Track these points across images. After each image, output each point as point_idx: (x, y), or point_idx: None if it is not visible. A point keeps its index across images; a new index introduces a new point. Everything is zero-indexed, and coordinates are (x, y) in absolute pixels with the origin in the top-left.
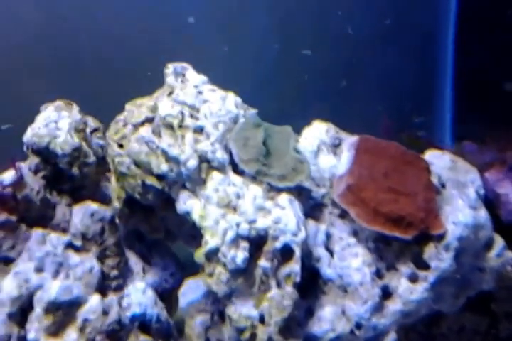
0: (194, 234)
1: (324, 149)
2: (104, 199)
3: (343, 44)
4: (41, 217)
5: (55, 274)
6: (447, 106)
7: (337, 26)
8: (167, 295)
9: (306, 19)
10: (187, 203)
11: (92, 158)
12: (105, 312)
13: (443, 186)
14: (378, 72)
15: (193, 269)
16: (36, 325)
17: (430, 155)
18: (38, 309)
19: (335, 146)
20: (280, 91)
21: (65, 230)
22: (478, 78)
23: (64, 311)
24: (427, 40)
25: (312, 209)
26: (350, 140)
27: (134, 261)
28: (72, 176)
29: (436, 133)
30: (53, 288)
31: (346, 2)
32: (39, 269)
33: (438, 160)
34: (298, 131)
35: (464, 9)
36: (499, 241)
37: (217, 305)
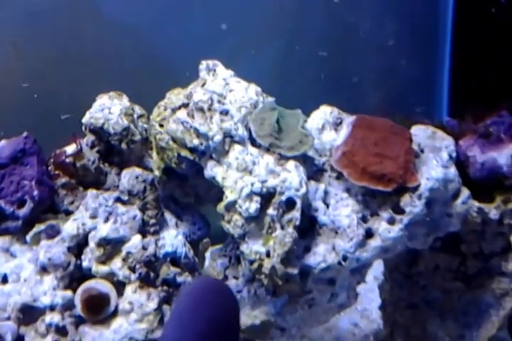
0: (220, 197)
1: (327, 127)
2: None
3: (354, 45)
4: (95, 182)
5: (106, 220)
6: (445, 97)
7: (350, 30)
8: (194, 244)
9: (323, 24)
10: (213, 170)
11: (138, 137)
12: (144, 248)
13: (422, 151)
14: (385, 70)
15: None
16: (90, 256)
17: (416, 129)
18: (91, 244)
19: (336, 124)
20: (299, 87)
21: None
22: (472, 74)
23: (112, 246)
24: (427, 41)
25: (314, 173)
26: (349, 119)
27: (169, 217)
28: (121, 151)
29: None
30: (104, 229)
31: (358, 9)
32: (93, 216)
33: (421, 132)
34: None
35: (461, 6)
36: (465, 192)
37: (234, 251)
